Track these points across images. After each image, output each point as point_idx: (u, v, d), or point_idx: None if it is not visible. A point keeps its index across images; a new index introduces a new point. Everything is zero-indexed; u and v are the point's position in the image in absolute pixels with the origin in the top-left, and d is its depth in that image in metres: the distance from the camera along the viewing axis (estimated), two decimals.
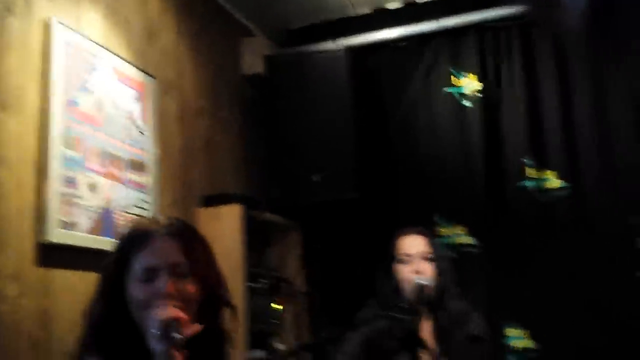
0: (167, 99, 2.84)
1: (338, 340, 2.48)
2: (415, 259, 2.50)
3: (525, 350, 3.15)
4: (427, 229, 2.64)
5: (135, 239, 1.39)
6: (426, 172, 3.46)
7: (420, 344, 2.48)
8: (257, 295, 3.10)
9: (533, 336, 3.14)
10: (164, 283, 1.32)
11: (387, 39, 3.55)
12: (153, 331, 1.27)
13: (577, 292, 3.07)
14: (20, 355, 1.93)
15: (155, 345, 1.27)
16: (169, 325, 1.27)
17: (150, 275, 1.34)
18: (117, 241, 1.45)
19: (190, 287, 1.36)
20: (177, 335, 1.27)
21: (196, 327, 1.32)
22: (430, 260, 2.52)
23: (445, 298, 2.51)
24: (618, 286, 3.00)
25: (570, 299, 3.09)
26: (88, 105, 2.29)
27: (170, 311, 1.29)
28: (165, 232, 1.38)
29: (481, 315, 2.58)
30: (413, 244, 2.54)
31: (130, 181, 2.45)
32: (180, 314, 1.30)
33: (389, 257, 2.57)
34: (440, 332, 2.48)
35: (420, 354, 2.48)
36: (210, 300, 1.40)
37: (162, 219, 1.43)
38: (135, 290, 1.34)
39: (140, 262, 1.35)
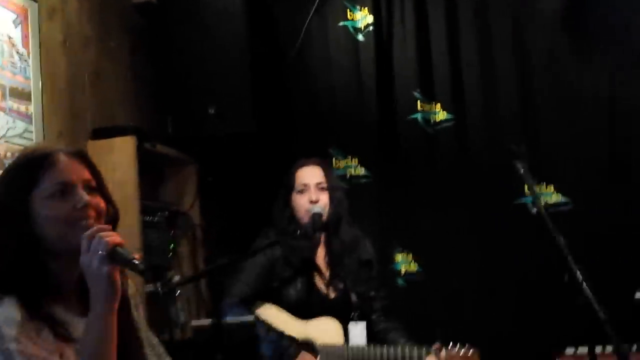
0: (50, 24, 2.68)
1: (233, 267, 2.53)
2: (311, 189, 2.59)
3: (410, 273, 3.36)
4: (323, 160, 2.72)
5: (39, 159, 1.35)
6: (321, 105, 3.53)
7: (315, 269, 2.60)
8: (153, 229, 3.07)
9: (417, 260, 3.35)
10: (83, 196, 1.32)
11: None
12: (101, 252, 1.24)
13: (460, 218, 3.29)
14: None
15: (99, 265, 1.25)
16: (117, 248, 1.25)
17: (65, 190, 1.32)
18: (11, 166, 1.39)
19: (102, 202, 1.37)
20: (134, 259, 1.26)
21: (140, 254, 1.34)
22: (325, 189, 2.61)
23: (339, 226, 2.63)
24: (497, 213, 3.24)
25: (454, 225, 3.30)
26: None
27: (116, 236, 1.28)
28: (67, 151, 1.37)
29: (370, 241, 2.73)
30: (309, 175, 2.62)
31: (12, 110, 2.33)
32: (123, 240, 1.29)
33: (285, 187, 2.64)
34: (333, 258, 2.61)
35: (315, 279, 2.60)
36: (110, 219, 1.39)
37: (55, 143, 1.41)
38: (52, 208, 1.31)
39: (52, 179, 1.32)
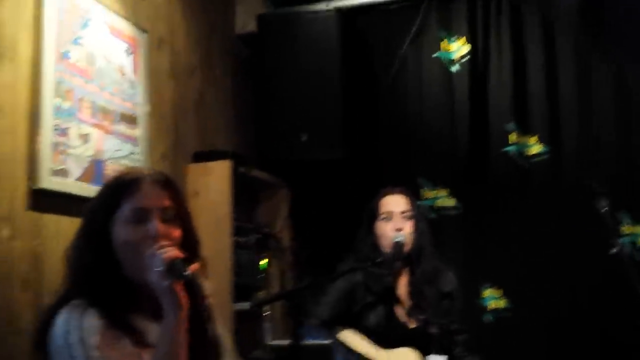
0: (159, 54, 2.90)
1: (315, 289, 2.59)
2: (396, 217, 2.60)
3: (499, 309, 3.28)
4: (408, 190, 2.74)
5: (125, 184, 1.45)
6: (412, 135, 3.54)
7: (395, 297, 2.60)
8: (244, 250, 3.20)
9: (506, 296, 3.27)
10: (154, 225, 1.40)
11: (378, 1, 3.59)
12: (158, 268, 1.34)
13: (552, 255, 3.19)
14: (13, 294, 2.03)
15: (160, 281, 1.35)
16: (174, 263, 1.35)
17: (141, 217, 1.41)
18: (103, 187, 1.51)
19: (176, 232, 1.45)
20: (187, 272, 1.36)
21: (196, 266, 1.40)
22: (410, 218, 2.62)
23: (421, 256, 2.62)
24: (591, 252, 3.10)
25: (545, 262, 3.20)
26: (80, 58, 2.35)
27: (174, 250, 1.37)
28: (153, 178, 1.46)
29: (453, 272, 2.69)
30: (395, 203, 2.64)
31: (120, 133, 2.53)
32: (182, 254, 1.38)
33: (370, 214, 2.67)
34: (413, 288, 2.60)
35: (395, 308, 2.60)
36: (188, 246, 1.47)
37: (146, 168, 1.53)
38: (125, 232, 1.41)
39: (131, 204, 1.42)
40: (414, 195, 3.07)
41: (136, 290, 1.44)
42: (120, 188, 1.45)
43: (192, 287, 1.40)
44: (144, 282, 1.39)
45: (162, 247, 1.38)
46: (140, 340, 1.41)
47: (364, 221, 2.68)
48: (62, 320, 1.36)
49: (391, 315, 2.57)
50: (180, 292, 1.37)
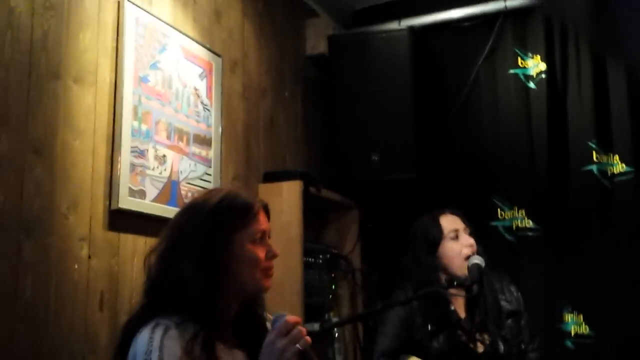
0: (232, 77, 2.94)
1: (382, 316, 2.53)
2: (463, 234, 2.52)
3: (581, 336, 3.12)
4: (459, 210, 2.63)
5: (247, 207, 1.55)
6: (487, 154, 3.44)
7: (458, 321, 2.49)
8: (314, 270, 3.18)
9: (588, 322, 3.10)
10: (272, 245, 1.56)
11: (451, 19, 3.54)
12: (298, 346, 1.37)
13: (634, 280, 3.01)
14: (90, 310, 2.08)
15: (290, 356, 1.36)
16: (308, 352, 1.39)
17: (263, 238, 1.55)
18: (211, 210, 1.53)
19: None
20: (302, 346, 1.38)
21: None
22: (472, 235, 2.53)
23: (487, 275, 2.51)
24: None
25: (630, 287, 3.02)
26: (157, 81, 2.41)
27: (306, 338, 1.39)
28: (262, 204, 1.60)
29: (515, 287, 2.56)
30: (456, 221, 2.56)
31: (195, 155, 2.58)
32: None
33: (432, 236, 2.55)
34: (479, 310, 2.48)
35: (458, 332, 2.49)
36: None
37: (249, 193, 1.65)
38: (252, 251, 1.52)
39: (257, 226, 1.54)
40: (489, 216, 2.97)
41: (222, 314, 1.49)
42: (244, 210, 1.54)
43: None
44: (251, 292, 1.53)
45: (304, 333, 1.40)
46: None
47: (423, 245, 2.56)
48: (144, 340, 1.40)
49: (455, 340, 2.46)
50: None
